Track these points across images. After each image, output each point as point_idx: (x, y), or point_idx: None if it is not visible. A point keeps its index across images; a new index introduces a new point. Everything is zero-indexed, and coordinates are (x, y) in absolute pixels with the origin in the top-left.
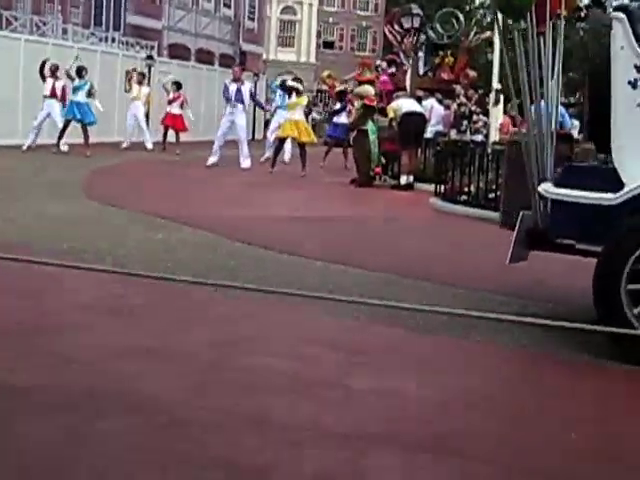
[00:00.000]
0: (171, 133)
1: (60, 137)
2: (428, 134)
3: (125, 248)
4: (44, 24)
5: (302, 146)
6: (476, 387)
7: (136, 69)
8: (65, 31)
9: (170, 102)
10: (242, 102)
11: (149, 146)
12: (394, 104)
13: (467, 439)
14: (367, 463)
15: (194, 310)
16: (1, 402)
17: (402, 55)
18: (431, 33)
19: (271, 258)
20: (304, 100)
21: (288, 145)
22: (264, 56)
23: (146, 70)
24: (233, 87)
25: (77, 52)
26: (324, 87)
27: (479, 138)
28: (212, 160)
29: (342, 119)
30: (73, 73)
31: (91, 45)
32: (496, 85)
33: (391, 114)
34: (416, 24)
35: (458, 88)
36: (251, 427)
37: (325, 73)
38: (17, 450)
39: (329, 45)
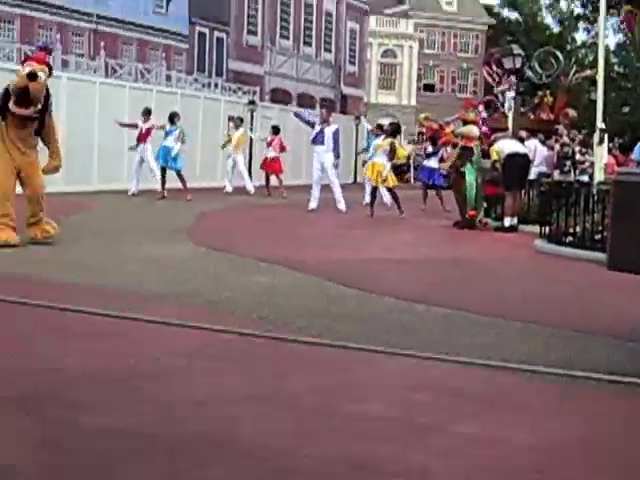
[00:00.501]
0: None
1: (162, 183)
2: (532, 175)
3: (228, 291)
4: (148, 71)
5: (389, 189)
6: (590, 436)
7: (239, 117)
8: (169, 78)
9: (268, 145)
10: (323, 144)
11: (250, 190)
12: (497, 146)
13: None
14: None
15: (297, 356)
16: (109, 447)
17: (500, 96)
18: (529, 73)
19: (374, 301)
20: (386, 144)
21: (383, 189)
22: (365, 99)
23: (248, 115)
24: (317, 129)
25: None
26: (422, 129)
27: (585, 178)
28: (312, 205)
29: (431, 163)
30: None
31: (194, 91)
32: (600, 124)
33: (494, 156)
34: (517, 65)
35: (560, 128)
36: (358, 475)
37: (422, 115)
38: None
39: (429, 88)
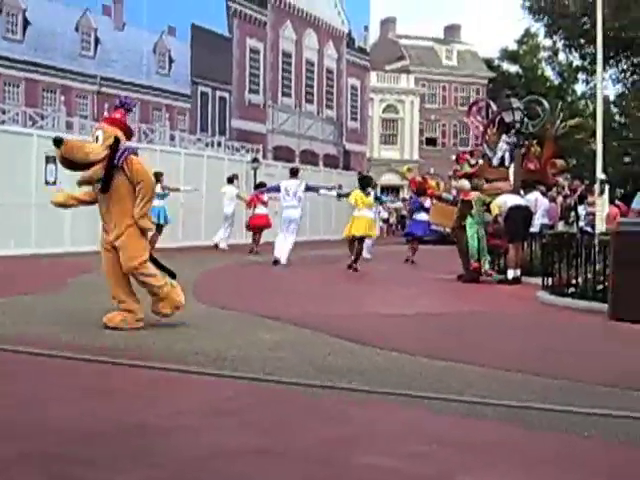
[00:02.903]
0: None
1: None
2: (535, 227)
3: (234, 349)
4: (152, 131)
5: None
6: None
7: (236, 176)
8: (172, 137)
9: (249, 205)
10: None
11: (222, 245)
12: (499, 200)
13: None
14: None
15: (302, 409)
16: None
17: (485, 146)
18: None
19: (378, 356)
20: (371, 200)
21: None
22: (367, 154)
23: (252, 173)
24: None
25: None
26: (404, 181)
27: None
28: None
29: (421, 216)
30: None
31: (198, 150)
32: (600, 175)
33: (496, 210)
34: (517, 118)
35: (561, 180)
36: None
37: (405, 167)
38: None
39: (432, 142)
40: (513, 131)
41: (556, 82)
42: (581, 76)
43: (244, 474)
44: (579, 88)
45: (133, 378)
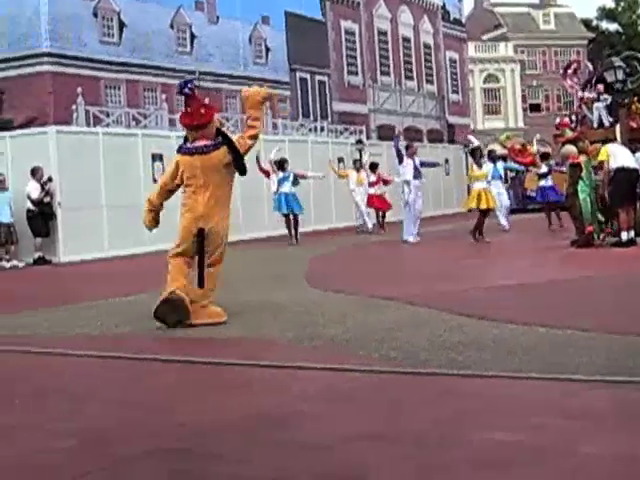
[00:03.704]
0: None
1: (289, 231)
2: None
3: (348, 332)
4: None
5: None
6: None
7: (357, 159)
8: (275, 125)
9: (371, 185)
10: (422, 177)
11: (369, 227)
12: (609, 148)
13: None
14: None
15: (415, 391)
16: None
17: (585, 108)
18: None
19: (494, 329)
20: (485, 172)
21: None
22: (472, 126)
23: (357, 155)
24: (411, 164)
25: (278, 145)
26: (504, 151)
27: None
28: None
29: (548, 182)
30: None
31: (301, 136)
32: None
33: (604, 157)
34: (620, 77)
35: None
36: None
37: (503, 136)
38: None
39: (536, 108)
40: (611, 90)
41: None
42: None
43: (361, 460)
44: None
45: (241, 368)
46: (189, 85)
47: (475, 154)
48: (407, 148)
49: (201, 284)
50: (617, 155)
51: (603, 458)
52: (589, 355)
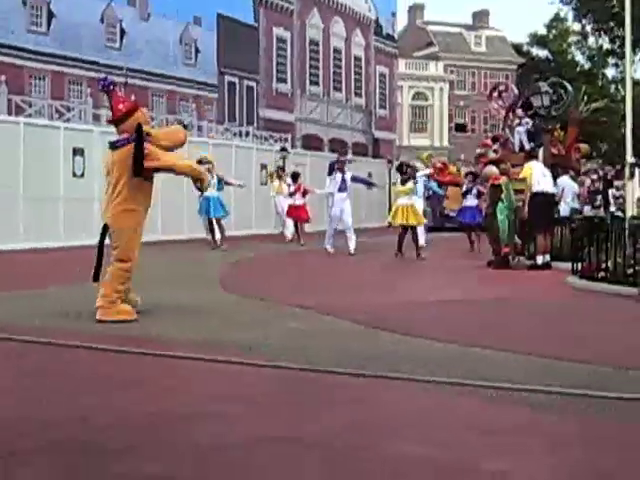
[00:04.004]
0: None
1: (211, 233)
2: (564, 212)
3: (259, 337)
4: (179, 122)
5: (412, 229)
6: (617, 471)
7: (280, 166)
8: (200, 128)
9: (291, 195)
10: (346, 190)
11: (288, 236)
12: (532, 166)
13: None
14: None
15: (327, 398)
16: None
17: (507, 131)
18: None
19: (406, 342)
20: (409, 188)
21: (420, 228)
22: (397, 142)
23: (281, 162)
24: (339, 178)
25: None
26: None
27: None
28: (331, 249)
29: (470, 202)
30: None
31: (225, 140)
32: (630, 159)
33: (527, 174)
34: (546, 102)
35: (589, 165)
36: None
37: (424, 154)
38: None
39: (461, 128)
40: (529, 114)
41: (586, 66)
42: (611, 60)
43: (269, 465)
44: (609, 72)
45: (158, 368)
46: (106, 82)
47: (401, 170)
48: (337, 162)
49: (96, 279)
50: (535, 174)
51: (504, 475)
52: (501, 370)
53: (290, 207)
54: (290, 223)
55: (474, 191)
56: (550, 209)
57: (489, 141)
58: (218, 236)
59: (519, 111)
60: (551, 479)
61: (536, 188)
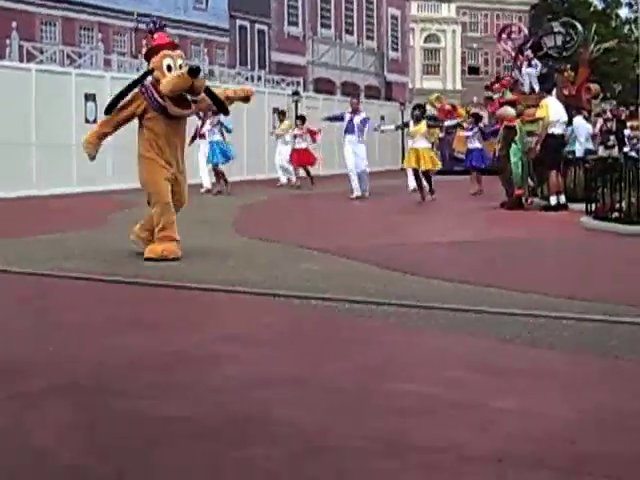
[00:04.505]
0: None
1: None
2: (579, 153)
3: (272, 279)
4: None
5: (425, 174)
6: (625, 407)
7: (281, 111)
8: (212, 72)
9: (295, 137)
10: (353, 133)
11: (293, 179)
12: (547, 102)
13: (617, 461)
14: None
15: (339, 337)
16: (142, 432)
17: (517, 72)
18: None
19: (417, 283)
20: (423, 127)
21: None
22: (409, 85)
23: (293, 106)
24: (347, 118)
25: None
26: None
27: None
28: (356, 193)
29: (475, 144)
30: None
31: (237, 85)
32: None
33: (543, 113)
34: (559, 42)
35: (603, 105)
36: (390, 452)
37: (433, 96)
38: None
39: (474, 71)
40: (538, 55)
41: (600, 7)
42: (625, 0)
43: (278, 403)
44: (623, 13)
45: (172, 308)
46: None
47: (417, 111)
48: (351, 102)
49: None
50: (551, 113)
51: (508, 413)
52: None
53: (293, 152)
54: (290, 168)
55: (475, 130)
56: (559, 150)
57: (506, 81)
58: (208, 182)
59: (528, 52)
60: (557, 415)
61: (551, 129)
